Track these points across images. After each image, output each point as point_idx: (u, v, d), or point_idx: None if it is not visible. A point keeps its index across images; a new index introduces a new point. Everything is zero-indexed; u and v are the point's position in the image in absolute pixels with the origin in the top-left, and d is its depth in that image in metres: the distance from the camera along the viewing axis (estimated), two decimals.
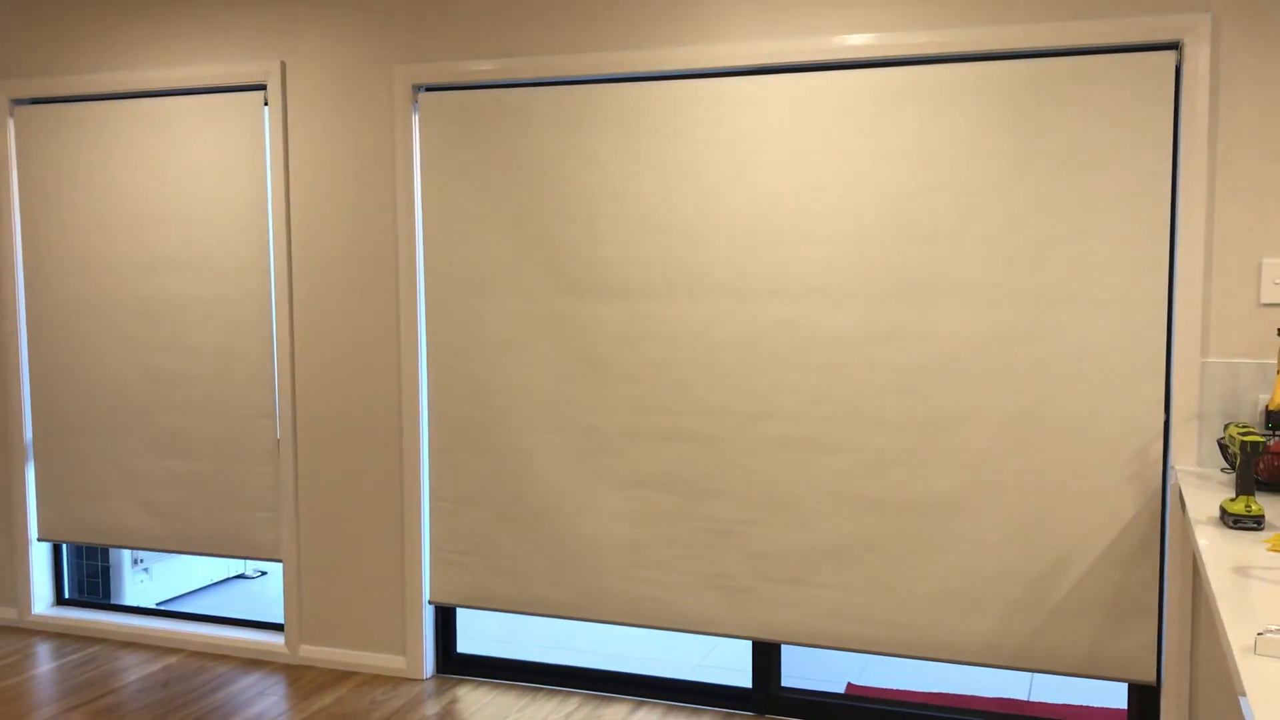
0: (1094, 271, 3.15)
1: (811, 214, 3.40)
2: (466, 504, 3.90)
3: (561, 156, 3.65)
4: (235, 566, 5.51)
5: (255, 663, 4.19)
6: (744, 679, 4.10)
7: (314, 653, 4.15)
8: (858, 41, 3.31)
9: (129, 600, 4.87)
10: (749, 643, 4.60)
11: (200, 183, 4.11)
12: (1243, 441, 2.45)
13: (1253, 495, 2.45)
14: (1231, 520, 2.44)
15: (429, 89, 3.82)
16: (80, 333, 4.36)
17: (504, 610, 3.89)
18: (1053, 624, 3.29)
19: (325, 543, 4.10)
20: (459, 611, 4.38)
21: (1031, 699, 4.05)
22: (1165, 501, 3.17)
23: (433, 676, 4.05)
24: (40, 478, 4.51)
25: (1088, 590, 3.25)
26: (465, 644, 4.50)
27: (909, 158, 3.29)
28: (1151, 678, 3.22)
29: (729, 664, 4.37)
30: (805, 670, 4.31)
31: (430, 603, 3.99)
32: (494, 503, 3.86)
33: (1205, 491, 2.79)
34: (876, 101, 3.32)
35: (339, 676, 4.04)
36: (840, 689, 4.13)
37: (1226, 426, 2.92)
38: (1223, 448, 2.92)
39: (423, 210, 3.84)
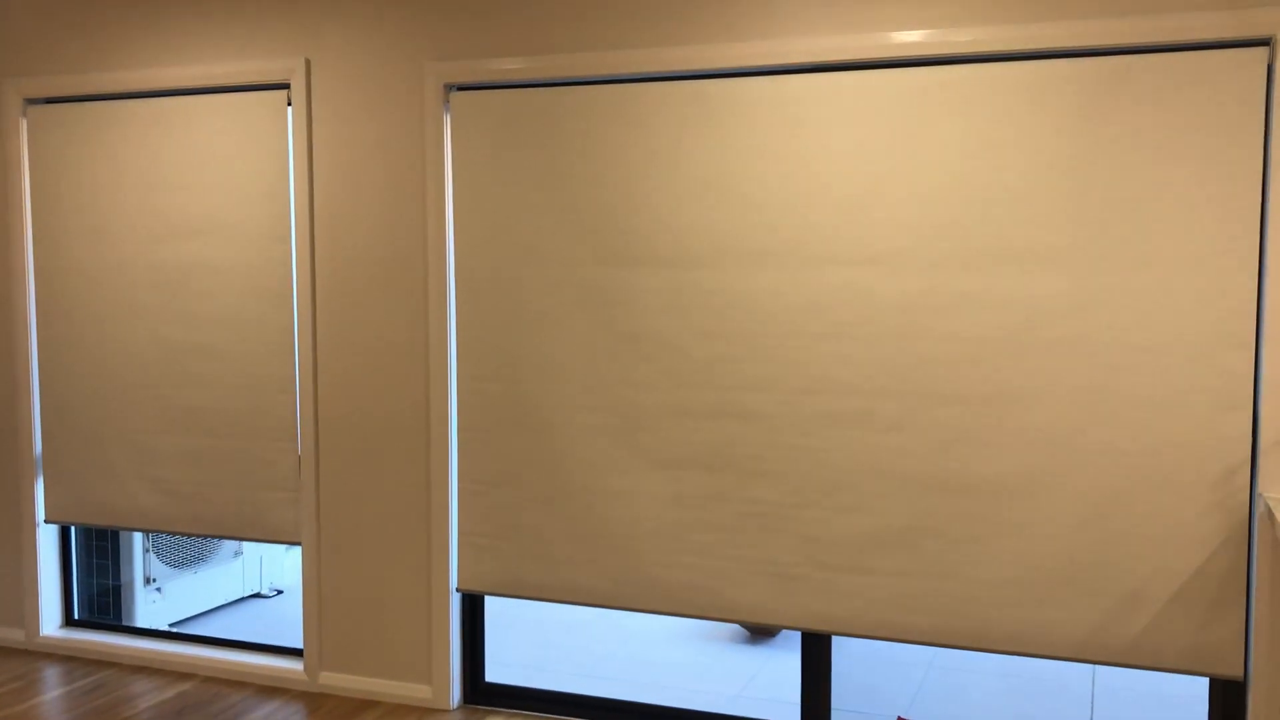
0: (1177, 272, 2.94)
1: (873, 175, 3.19)
2: (497, 485, 3.69)
3: (602, 147, 3.46)
4: (251, 585, 5.32)
5: (273, 690, 3.99)
6: (788, 711, 3.89)
7: (335, 680, 3.95)
8: (914, 38, 3.12)
9: (141, 621, 4.69)
10: (787, 672, 4.38)
11: (220, 182, 3.93)
12: None
13: None
14: None
15: (461, 88, 3.64)
16: (89, 303, 4.16)
17: (536, 598, 3.67)
18: (1129, 615, 3.05)
19: (347, 525, 3.89)
20: (487, 638, 4.18)
21: None
22: (1254, 483, 2.93)
23: (460, 707, 3.84)
24: (47, 457, 4.30)
25: (1167, 578, 3.01)
26: (494, 672, 4.30)
27: (980, 157, 3.09)
28: (1238, 672, 2.98)
29: (770, 695, 4.16)
30: (848, 703, 4.09)
31: (458, 590, 3.77)
32: (527, 484, 3.65)
33: None
34: (941, 101, 3.11)
35: (361, 706, 3.84)
36: None
37: None
38: None
39: (454, 202, 3.65)
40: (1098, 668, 4.53)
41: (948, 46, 3.09)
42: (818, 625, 3.36)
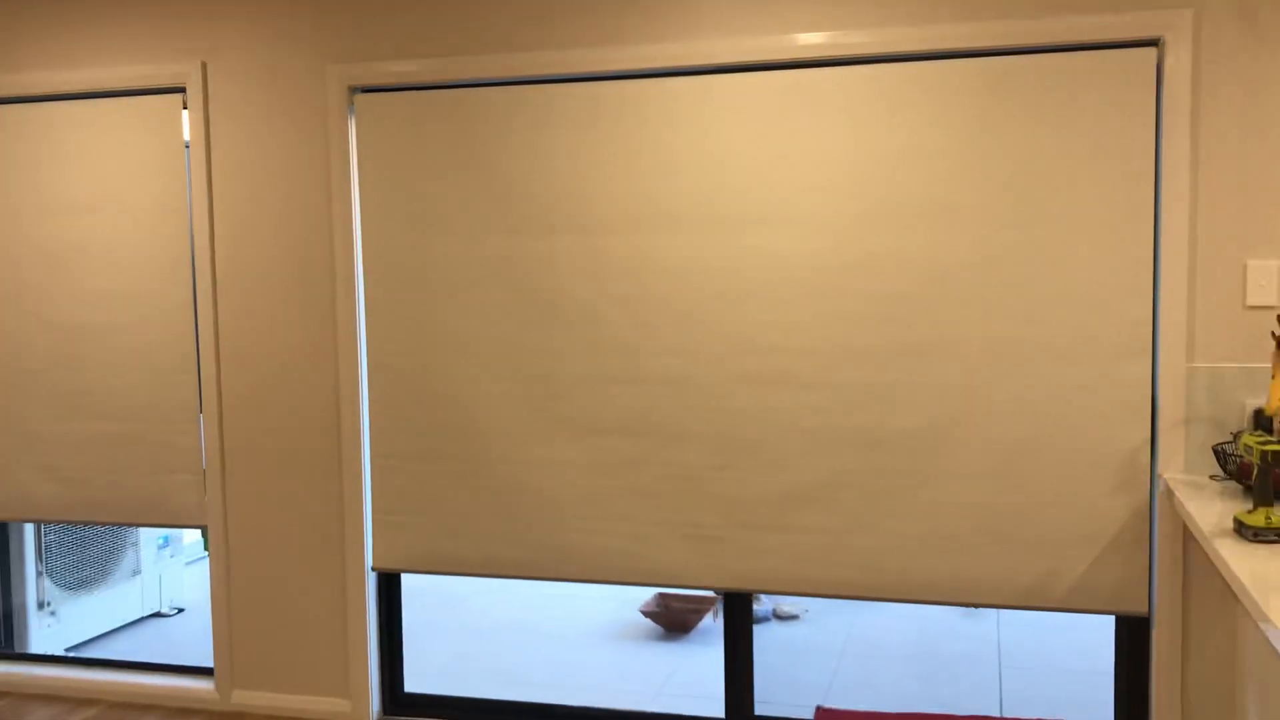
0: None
1: (781, 138, 3.24)
2: (411, 460, 3.63)
3: (510, 141, 3.43)
4: (150, 604, 5.14)
5: (184, 711, 3.86)
6: (709, 706, 3.93)
7: (249, 698, 3.84)
8: (813, 40, 3.18)
9: (35, 647, 4.49)
10: (704, 668, 4.42)
11: (113, 186, 3.79)
12: (1263, 451, 2.35)
13: (1272, 507, 2.35)
14: (1251, 534, 2.34)
15: (365, 90, 3.57)
16: None
17: (455, 573, 3.62)
18: (1040, 558, 3.15)
19: (256, 507, 3.78)
20: (405, 646, 4.12)
21: (1004, 714, 3.96)
22: (1155, 428, 3.05)
23: (379, 719, 3.78)
24: None
25: (1075, 523, 3.12)
26: (412, 682, 4.24)
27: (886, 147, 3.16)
28: (1143, 609, 3.10)
29: (690, 691, 4.19)
30: (767, 694, 4.15)
31: (374, 569, 3.70)
32: (442, 458, 3.60)
33: (1202, 500, 2.69)
34: (847, 84, 3.18)
35: None
36: (809, 715, 3.99)
37: (1239, 435, 2.84)
38: (1221, 455, 2.84)
39: (360, 193, 3.58)
40: (1004, 647, 4.68)
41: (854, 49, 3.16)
42: (739, 584, 3.39)
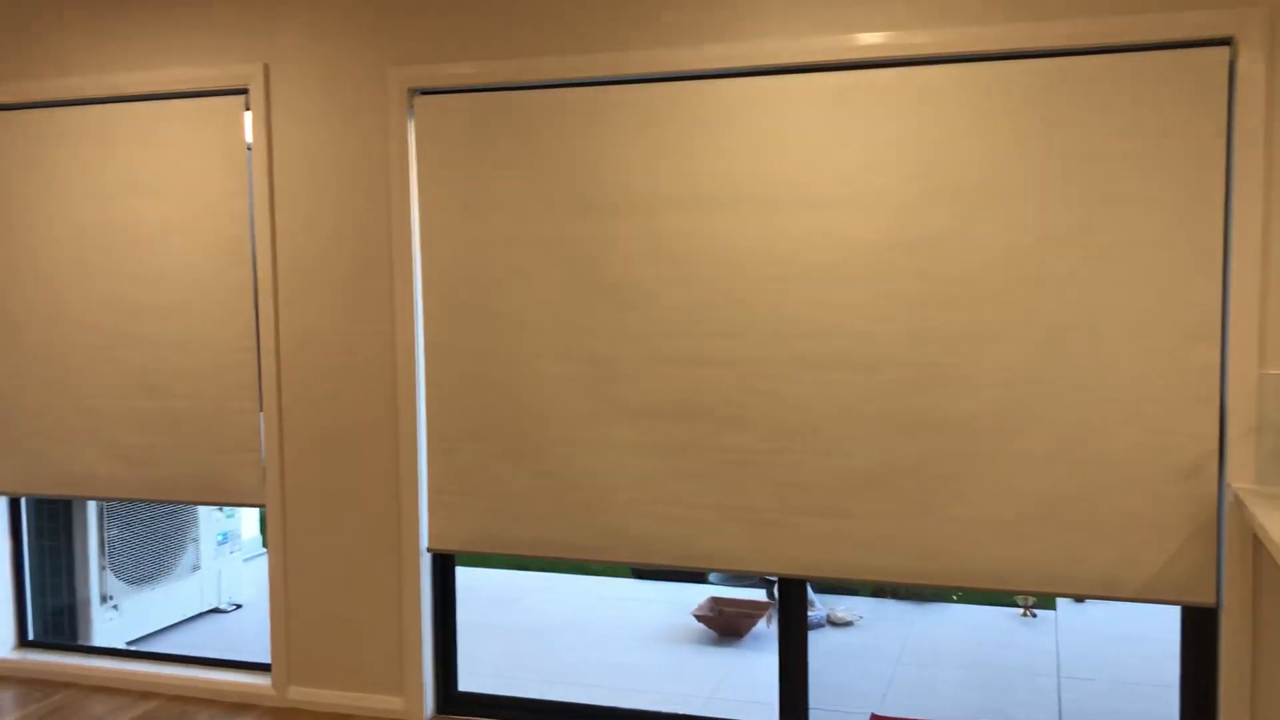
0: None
1: (843, 116, 3.20)
2: (467, 441, 3.64)
3: (570, 141, 3.44)
4: (209, 600, 5.22)
5: (241, 706, 3.91)
6: (762, 712, 3.90)
7: (304, 694, 3.88)
8: (872, 40, 3.15)
9: (97, 640, 4.57)
10: (756, 673, 4.39)
11: (176, 184, 3.85)
12: None
13: None
14: None
15: (424, 92, 3.60)
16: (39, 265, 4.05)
17: (509, 553, 3.62)
18: (1102, 547, 3.08)
19: (314, 487, 3.82)
20: (461, 645, 4.13)
21: None
22: (1224, 415, 2.97)
23: (433, 717, 3.80)
24: None
25: (1139, 509, 3.05)
26: (465, 681, 4.26)
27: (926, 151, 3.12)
28: (1211, 599, 3.03)
29: (742, 696, 4.17)
30: (822, 701, 4.11)
31: (429, 549, 3.72)
32: (497, 439, 3.60)
33: (1274, 510, 2.62)
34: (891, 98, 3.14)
35: None
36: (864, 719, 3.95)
37: None
38: None
39: (419, 189, 3.61)
40: (1063, 657, 4.60)
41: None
42: (794, 570, 3.36)
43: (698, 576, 6.34)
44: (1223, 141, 2.93)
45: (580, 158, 3.44)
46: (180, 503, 3.95)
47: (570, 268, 3.47)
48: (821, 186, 3.23)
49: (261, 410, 3.84)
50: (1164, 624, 4.94)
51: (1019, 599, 5.37)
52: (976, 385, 3.15)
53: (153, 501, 4.01)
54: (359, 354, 3.73)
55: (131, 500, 4.09)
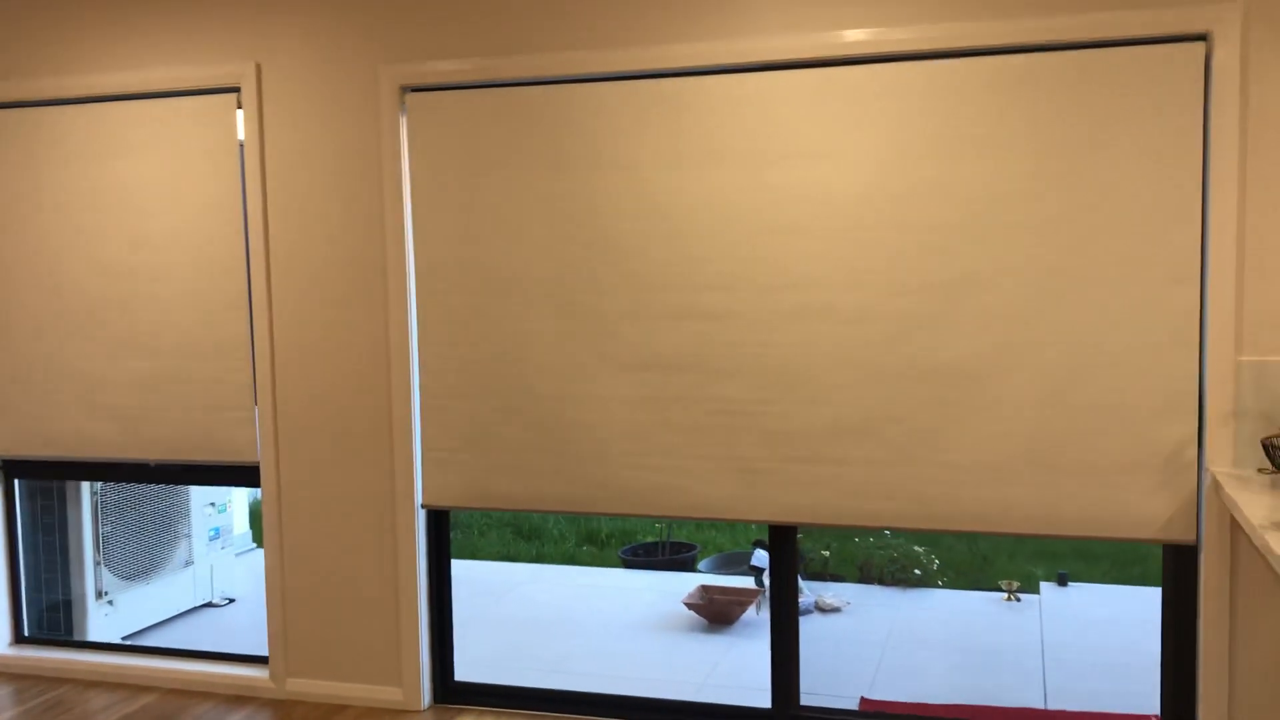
0: (1127, 156, 3.07)
1: (826, 74, 3.27)
2: (460, 397, 3.69)
3: (563, 131, 3.49)
4: (202, 594, 5.25)
5: (239, 699, 3.95)
6: (754, 697, 3.97)
7: (303, 686, 3.92)
8: (856, 37, 3.21)
9: (93, 635, 4.60)
10: (748, 660, 4.46)
11: (168, 179, 3.87)
12: None
13: None
14: None
15: (416, 89, 3.64)
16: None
17: (504, 508, 3.68)
18: (1087, 487, 3.16)
19: (307, 444, 3.86)
20: (455, 636, 4.18)
21: (1048, 706, 3.98)
22: (1203, 355, 3.05)
23: (431, 707, 3.85)
24: None
25: (1122, 451, 3.12)
26: (462, 671, 4.32)
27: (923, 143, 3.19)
28: (1191, 537, 3.11)
29: (734, 681, 4.24)
30: (811, 685, 4.19)
31: (423, 506, 3.77)
32: (490, 395, 3.65)
33: (1251, 493, 2.71)
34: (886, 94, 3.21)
35: (332, 711, 3.83)
36: (853, 705, 4.02)
37: None
38: (1270, 449, 2.85)
39: (411, 175, 3.65)
40: (1047, 639, 4.69)
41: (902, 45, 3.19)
42: (787, 517, 3.42)
43: (687, 565, 6.41)
44: (1200, 136, 3.00)
45: (572, 142, 3.49)
46: (172, 461, 3.96)
47: (560, 223, 3.51)
48: (805, 140, 3.29)
49: (254, 368, 3.88)
50: (1143, 606, 5.04)
51: (1003, 583, 5.46)
52: (962, 333, 3.22)
53: (144, 461, 4.01)
54: (351, 311, 3.77)
55: (125, 460, 4.08)
